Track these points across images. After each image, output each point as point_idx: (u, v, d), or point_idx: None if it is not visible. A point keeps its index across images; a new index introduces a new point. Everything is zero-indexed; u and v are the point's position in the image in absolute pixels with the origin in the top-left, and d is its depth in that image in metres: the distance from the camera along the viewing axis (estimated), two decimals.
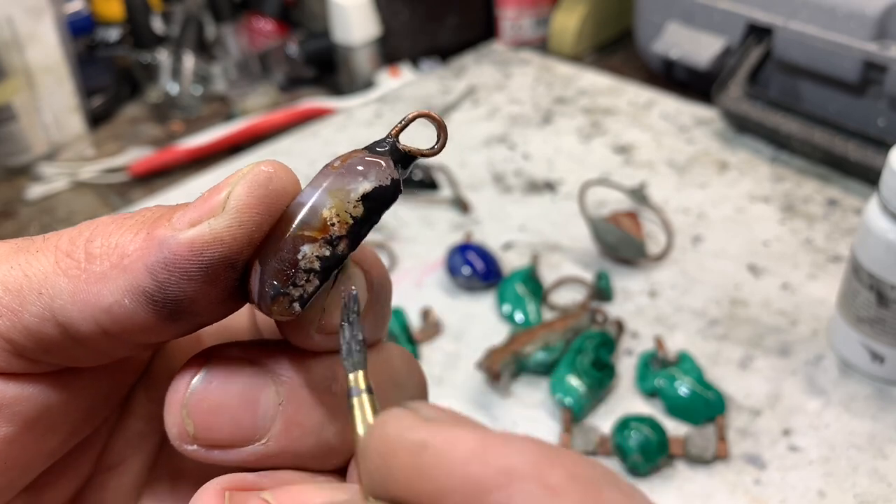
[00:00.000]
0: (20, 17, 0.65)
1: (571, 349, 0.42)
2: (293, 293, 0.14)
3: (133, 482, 0.18)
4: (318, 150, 0.67)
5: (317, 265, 0.14)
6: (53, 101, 0.68)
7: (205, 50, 0.78)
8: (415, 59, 0.79)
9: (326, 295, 0.15)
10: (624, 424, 0.38)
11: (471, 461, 0.11)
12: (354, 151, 0.15)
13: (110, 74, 0.78)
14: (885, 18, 0.55)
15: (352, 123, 0.70)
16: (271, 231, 0.15)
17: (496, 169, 0.62)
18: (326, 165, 0.15)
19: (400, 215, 0.57)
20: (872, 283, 0.39)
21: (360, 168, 0.14)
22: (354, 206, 0.14)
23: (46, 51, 0.67)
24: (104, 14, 0.90)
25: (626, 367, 0.43)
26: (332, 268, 0.15)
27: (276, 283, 0.14)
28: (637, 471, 0.37)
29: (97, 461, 0.18)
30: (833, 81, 0.59)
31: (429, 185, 0.60)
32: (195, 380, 0.15)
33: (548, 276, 0.50)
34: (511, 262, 0.52)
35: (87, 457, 0.18)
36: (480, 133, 0.67)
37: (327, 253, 0.14)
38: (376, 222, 0.15)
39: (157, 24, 0.78)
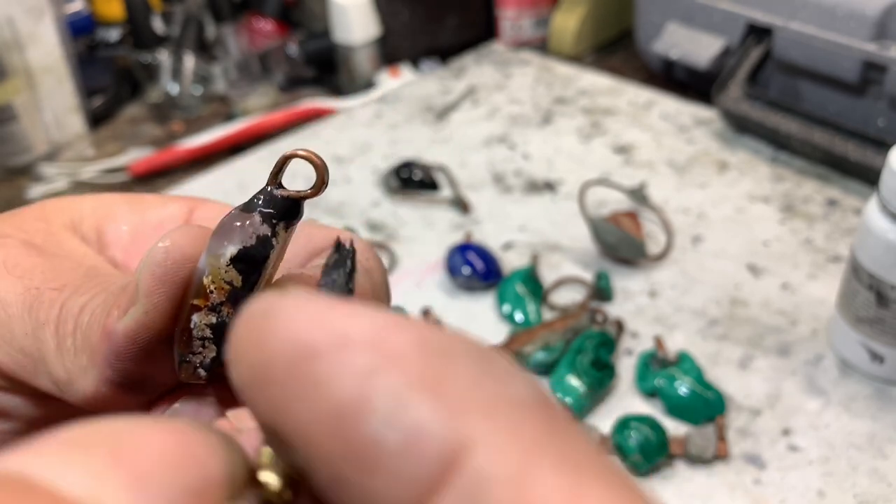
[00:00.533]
0: (20, 17, 0.65)
1: (571, 349, 0.42)
2: (194, 360, 0.15)
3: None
4: (319, 149, 0.66)
5: (208, 332, 0.15)
6: (54, 101, 0.69)
7: (205, 50, 0.78)
8: (415, 60, 0.79)
9: None
10: (624, 424, 0.38)
11: (307, 327, 0.09)
12: (232, 211, 0.15)
13: (110, 74, 0.78)
14: (885, 18, 0.55)
15: (352, 123, 0.70)
16: (181, 299, 0.15)
17: (496, 169, 0.62)
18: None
19: (400, 215, 0.58)
20: (872, 283, 0.39)
21: (225, 230, 0.14)
22: (226, 271, 0.14)
23: (47, 51, 0.67)
24: (104, 14, 0.90)
25: (626, 366, 0.43)
26: (224, 332, 0.15)
27: (179, 350, 0.15)
28: (637, 470, 0.37)
29: None
30: (833, 81, 0.59)
31: (429, 185, 0.60)
32: None
33: (548, 276, 0.50)
34: (511, 262, 0.52)
35: None
36: (480, 133, 0.67)
37: (214, 320, 0.15)
38: (256, 280, 0.15)
39: (157, 25, 0.78)
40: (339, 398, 0.09)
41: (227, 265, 0.14)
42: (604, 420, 0.40)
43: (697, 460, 0.38)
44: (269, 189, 0.14)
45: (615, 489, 0.09)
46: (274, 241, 0.14)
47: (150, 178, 0.67)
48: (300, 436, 0.09)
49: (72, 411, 0.17)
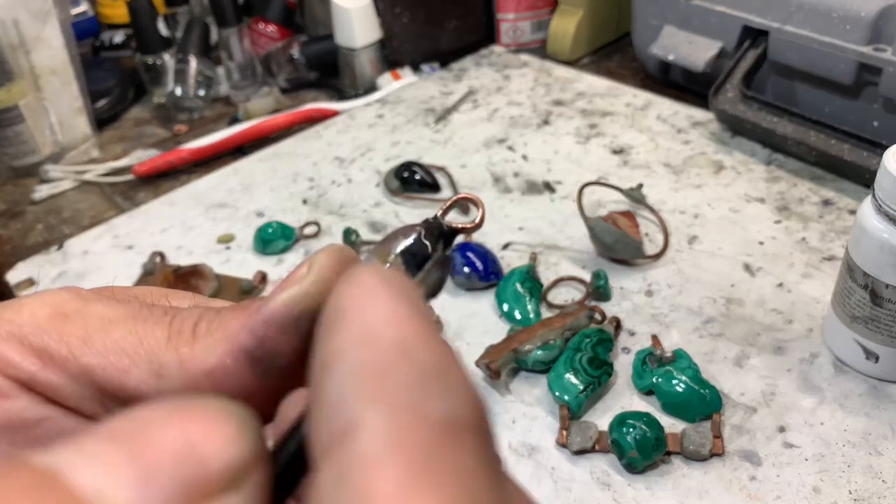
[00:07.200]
0: (26, 19, 0.65)
1: (570, 347, 0.42)
2: None
3: None
4: (321, 150, 0.67)
5: None
6: (59, 102, 0.69)
7: (209, 53, 0.79)
8: (416, 63, 0.80)
9: None
10: (621, 421, 0.38)
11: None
12: (407, 224, 0.18)
13: (115, 76, 0.78)
14: (880, 21, 0.55)
15: (354, 125, 0.71)
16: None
17: (496, 170, 0.63)
18: None
19: (401, 215, 0.58)
20: (866, 282, 0.39)
21: (397, 233, 0.18)
22: (392, 261, 0.17)
23: (52, 53, 0.67)
24: (109, 17, 0.90)
25: (624, 364, 0.44)
26: None
27: None
28: (634, 467, 0.38)
29: None
30: (828, 83, 0.60)
31: (429, 185, 0.60)
32: None
33: (546, 275, 0.51)
34: (510, 261, 0.52)
35: None
36: (480, 134, 0.67)
37: None
38: (412, 276, 0.18)
39: (162, 27, 0.79)
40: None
41: (396, 255, 0.17)
42: (601, 417, 0.41)
43: (694, 457, 0.38)
44: (437, 215, 0.18)
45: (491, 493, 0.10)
46: (430, 252, 0.18)
47: (155, 179, 0.67)
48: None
49: None
